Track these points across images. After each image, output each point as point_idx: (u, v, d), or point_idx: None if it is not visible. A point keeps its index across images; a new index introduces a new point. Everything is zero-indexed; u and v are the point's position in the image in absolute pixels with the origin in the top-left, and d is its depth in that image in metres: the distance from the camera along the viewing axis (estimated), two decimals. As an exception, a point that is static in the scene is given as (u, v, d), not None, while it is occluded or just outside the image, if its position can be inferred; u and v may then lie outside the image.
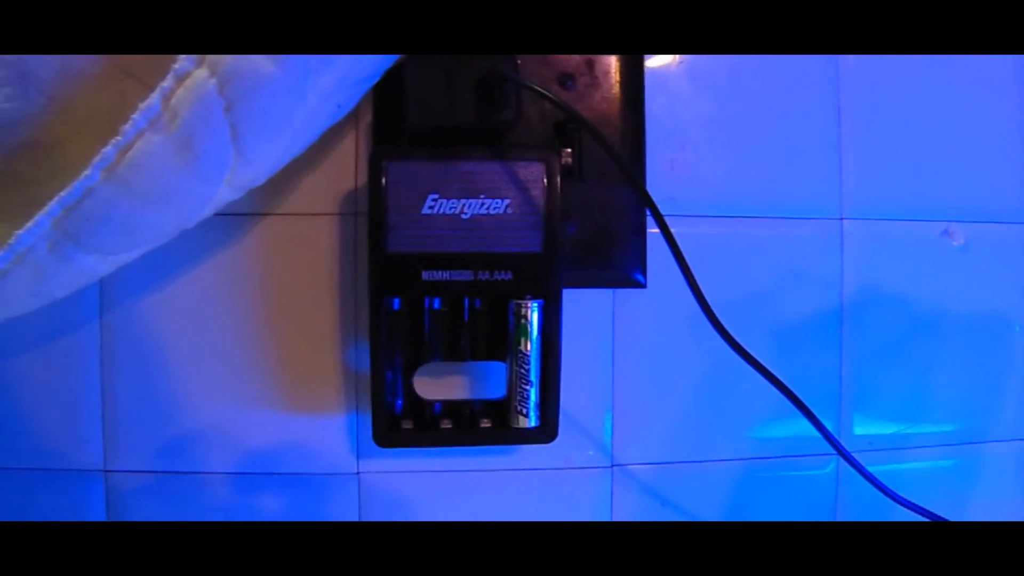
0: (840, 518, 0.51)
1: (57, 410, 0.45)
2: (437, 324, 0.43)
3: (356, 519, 0.47)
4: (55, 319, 0.44)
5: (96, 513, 0.46)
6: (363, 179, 0.45)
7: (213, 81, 0.31)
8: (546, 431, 0.42)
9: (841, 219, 0.50)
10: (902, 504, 0.44)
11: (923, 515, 0.44)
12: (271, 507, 0.46)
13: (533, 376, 0.41)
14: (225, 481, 0.46)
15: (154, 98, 0.30)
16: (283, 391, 0.46)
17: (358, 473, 0.47)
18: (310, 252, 0.45)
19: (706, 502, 0.50)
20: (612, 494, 0.49)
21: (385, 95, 0.44)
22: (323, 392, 0.46)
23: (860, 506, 0.51)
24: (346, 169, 0.45)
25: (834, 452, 0.44)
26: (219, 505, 0.46)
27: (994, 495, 0.53)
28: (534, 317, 0.41)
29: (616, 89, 0.46)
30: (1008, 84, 0.52)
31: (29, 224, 0.31)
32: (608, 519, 0.49)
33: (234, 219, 0.45)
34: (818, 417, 0.42)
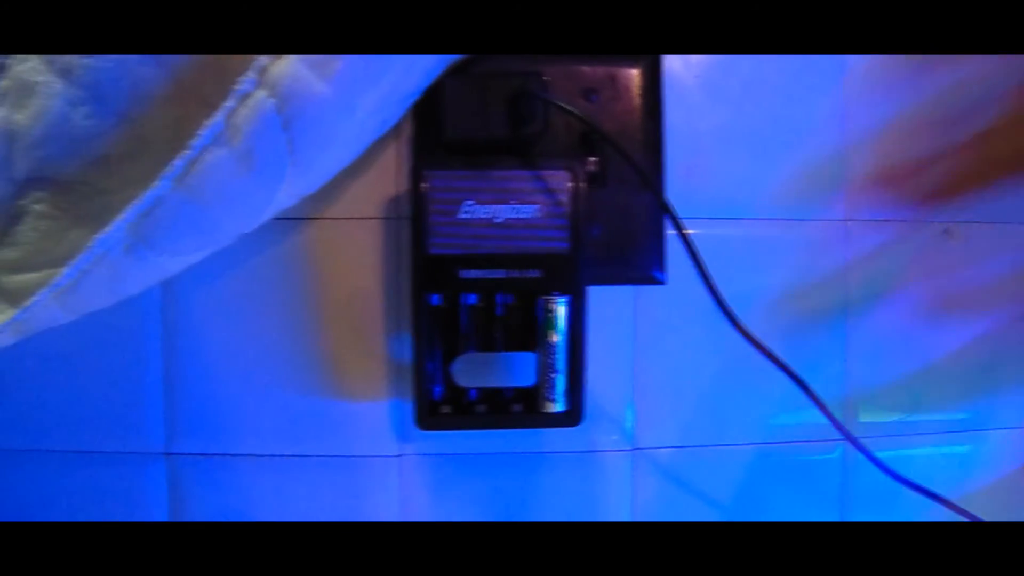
0: (846, 500, 0.51)
1: (123, 398, 0.46)
2: (473, 318, 0.44)
3: (398, 497, 0.48)
4: (121, 313, 0.44)
5: (159, 493, 0.47)
6: (405, 186, 0.46)
7: (272, 101, 0.31)
8: (572, 416, 0.43)
9: (847, 220, 0.50)
10: (903, 483, 0.44)
11: (924, 494, 0.44)
12: (320, 486, 0.47)
13: (560, 366, 0.42)
14: (278, 463, 0.47)
15: (218, 116, 0.31)
16: (332, 380, 0.47)
17: (400, 455, 0.47)
18: (357, 253, 0.46)
19: (721, 484, 0.50)
20: (633, 476, 0.49)
21: (424, 110, 0.44)
22: (369, 380, 0.47)
23: (865, 488, 0.51)
24: (389, 177, 0.46)
25: (841, 438, 0.45)
26: (273, 484, 0.47)
27: (993, 479, 0.53)
28: (561, 312, 0.42)
29: (637, 101, 0.46)
30: (1005, 89, 0.51)
31: (107, 229, 0.32)
32: (629, 499, 0.49)
33: (289, 223, 0.46)
34: (826, 405, 0.43)
